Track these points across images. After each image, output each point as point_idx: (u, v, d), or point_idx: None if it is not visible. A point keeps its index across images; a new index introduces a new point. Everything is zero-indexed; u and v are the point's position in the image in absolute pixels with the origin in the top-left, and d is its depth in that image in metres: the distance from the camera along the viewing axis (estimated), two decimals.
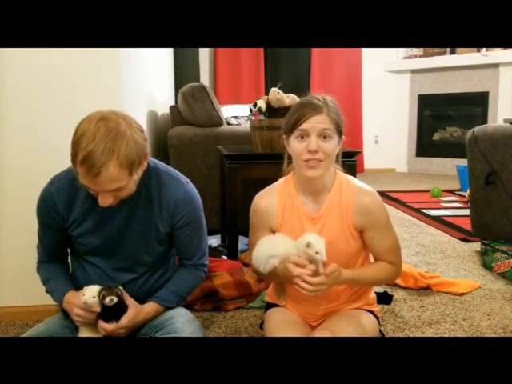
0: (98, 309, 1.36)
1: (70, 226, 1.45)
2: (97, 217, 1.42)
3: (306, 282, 1.29)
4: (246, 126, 3.29)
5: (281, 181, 1.53)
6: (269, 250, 1.40)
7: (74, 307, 1.38)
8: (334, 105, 1.40)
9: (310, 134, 1.35)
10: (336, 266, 1.33)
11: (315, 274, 1.30)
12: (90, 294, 1.36)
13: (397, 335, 1.81)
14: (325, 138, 1.36)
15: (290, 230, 1.44)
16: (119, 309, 1.39)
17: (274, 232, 1.48)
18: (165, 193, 1.44)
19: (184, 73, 4.73)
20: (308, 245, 1.31)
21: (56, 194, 1.41)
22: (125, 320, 1.38)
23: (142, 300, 1.47)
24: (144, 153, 1.31)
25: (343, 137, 1.42)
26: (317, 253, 1.30)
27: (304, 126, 1.35)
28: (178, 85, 4.51)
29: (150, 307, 1.47)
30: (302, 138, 1.36)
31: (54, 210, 1.43)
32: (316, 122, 1.35)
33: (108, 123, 1.24)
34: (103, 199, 1.30)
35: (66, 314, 1.45)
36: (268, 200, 1.49)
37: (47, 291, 1.51)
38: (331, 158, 1.39)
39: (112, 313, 1.38)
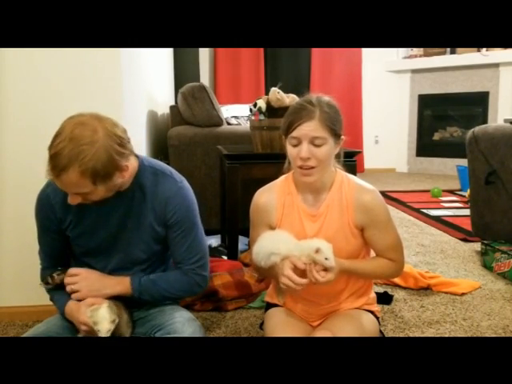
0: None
1: (67, 228, 1.45)
2: (93, 217, 1.42)
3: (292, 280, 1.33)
4: (246, 126, 3.29)
5: (281, 178, 1.53)
6: (270, 247, 1.40)
7: (81, 325, 1.37)
8: (329, 107, 1.38)
9: (302, 140, 1.35)
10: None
11: (303, 275, 1.34)
12: (104, 326, 1.32)
13: (397, 335, 1.81)
14: (317, 144, 1.35)
15: (290, 226, 1.45)
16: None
17: (273, 228, 1.48)
18: (158, 190, 1.44)
19: (184, 73, 4.73)
20: (317, 250, 1.32)
21: (52, 195, 1.42)
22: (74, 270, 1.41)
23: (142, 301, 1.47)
24: (116, 166, 1.28)
25: (343, 137, 1.42)
26: (326, 259, 1.32)
27: (295, 133, 1.35)
28: (178, 85, 4.51)
29: (118, 278, 1.44)
30: (296, 144, 1.36)
31: (51, 212, 1.43)
32: (307, 129, 1.34)
33: (84, 129, 1.23)
34: (70, 197, 1.31)
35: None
36: (268, 197, 1.49)
37: (51, 300, 1.51)
38: (325, 163, 1.39)
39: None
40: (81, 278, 1.41)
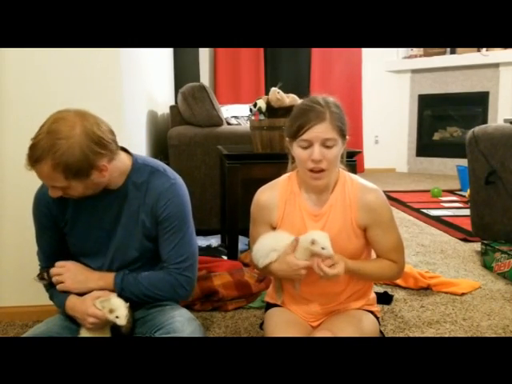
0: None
1: (64, 226, 1.46)
2: (88, 216, 1.43)
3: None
4: (246, 126, 3.29)
5: (284, 177, 1.53)
6: (273, 244, 1.41)
7: (88, 318, 1.36)
8: (337, 108, 1.38)
9: (314, 143, 1.34)
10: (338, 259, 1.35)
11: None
12: (122, 312, 1.34)
13: (397, 335, 1.81)
14: (328, 146, 1.35)
15: (291, 225, 1.45)
16: None
17: (273, 227, 1.48)
18: (151, 187, 1.44)
19: (184, 73, 4.73)
20: (313, 242, 1.32)
21: (48, 194, 1.42)
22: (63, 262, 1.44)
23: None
24: (90, 165, 1.28)
25: (347, 137, 1.42)
26: (323, 248, 1.32)
27: (306, 135, 1.34)
28: (178, 85, 4.51)
29: (102, 273, 1.45)
30: (306, 146, 1.36)
31: (47, 210, 1.44)
32: (319, 131, 1.33)
33: (62, 124, 1.25)
34: (50, 190, 1.34)
35: (67, 315, 1.45)
36: (269, 195, 1.49)
37: (50, 298, 1.51)
38: (335, 164, 1.39)
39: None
40: (65, 270, 1.43)
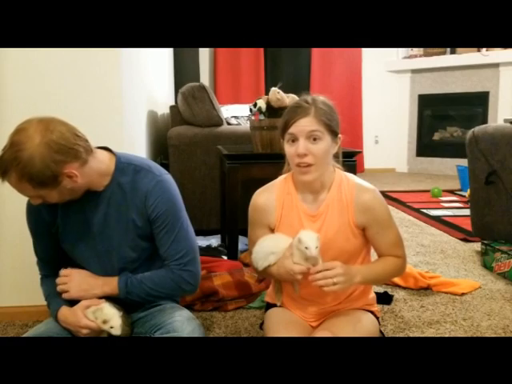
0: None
1: (56, 231, 1.45)
2: (76, 218, 1.43)
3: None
4: (246, 125, 3.29)
5: (280, 178, 1.53)
6: (271, 247, 1.41)
7: (81, 329, 1.36)
8: (325, 105, 1.39)
9: (299, 137, 1.35)
10: (337, 263, 1.32)
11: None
12: (116, 321, 1.32)
13: (397, 335, 1.81)
14: (314, 139, 1.35)
15: (289, 227, 1.45)
16: None
17: (272, 229, 1.48)
18: (138, 186, 1.42)
19: (184, 73, 4.74)
20: (299, 241, 1.32)
21: None
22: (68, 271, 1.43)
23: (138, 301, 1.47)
24: (54, 173, 1.25)
25: (340, 136, 1.42)
26: (306, 248, 1.30)
27: (291, 129, 1.36)
28: (178, 85, 4.51)
29: (106, 279, 1.44)
30: (293, 141, 1.37)
31: (39, 216, 1.44)
32: (303, 125, 1.35)
33: (22, 136, 1.24)
34: (31, 198, 1.35)
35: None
36: (267, 197, 1.49)
37: (47, 306, 1.50)
38: (323, 160, 1.38)
39: None
40: (70, 279, 1.42)
